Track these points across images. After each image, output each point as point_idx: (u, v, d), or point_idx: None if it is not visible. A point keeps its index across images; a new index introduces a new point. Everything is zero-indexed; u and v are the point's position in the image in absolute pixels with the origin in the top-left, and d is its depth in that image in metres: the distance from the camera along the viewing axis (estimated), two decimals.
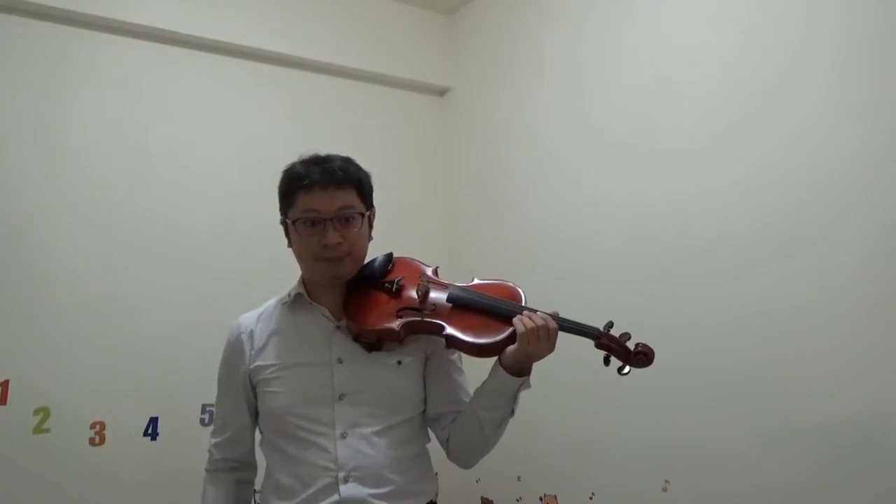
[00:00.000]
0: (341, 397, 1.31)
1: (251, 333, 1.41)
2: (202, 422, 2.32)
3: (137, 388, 2.23)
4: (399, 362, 1.36)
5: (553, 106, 2.54)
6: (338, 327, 1.38)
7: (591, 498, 2.24)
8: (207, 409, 2.33)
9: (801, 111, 1.74)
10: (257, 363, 1.38)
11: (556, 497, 2.38)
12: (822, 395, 1.65)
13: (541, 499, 2.43)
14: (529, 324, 1.24)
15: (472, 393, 1.41)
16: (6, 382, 2.06)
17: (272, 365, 1.36)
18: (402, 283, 1.40)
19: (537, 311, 1.28)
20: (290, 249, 1.41)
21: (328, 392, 1.32)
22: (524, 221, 2.62)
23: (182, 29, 2.45)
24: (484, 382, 1.34)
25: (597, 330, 1.30)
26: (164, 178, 2.39)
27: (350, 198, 1.36)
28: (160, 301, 2.31)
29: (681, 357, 1.98)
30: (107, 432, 2.17)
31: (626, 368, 1.30)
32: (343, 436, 1.29)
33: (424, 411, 1.42)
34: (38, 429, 2.08)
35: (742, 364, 1.83)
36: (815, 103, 1.71)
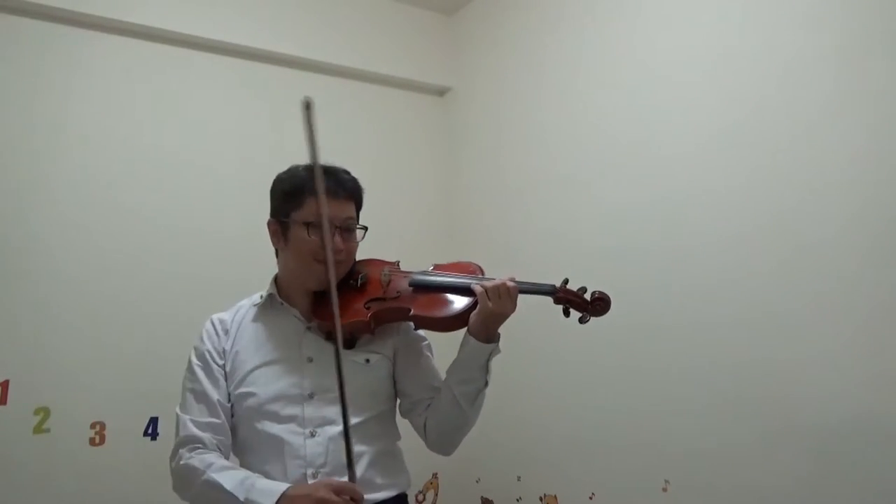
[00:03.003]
0: (311, 396, 1.35)
1: (226, 332, 1.45)
2: None
3: (137, 388, 2.23)
4: (367, 360, 1.41)
5: (553, 106, 2.54)
6: (308, 328, 1.42)
7: (591, 498, 2.24)
8: None
9: (801, 111, 1.74)
10: (231, 363, 1.40)
11: (556, 497, 2.38)
12: (823, 395, 1.65)
13: (541, 499, 2.43)
14: (488, 284, 1.32)
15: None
16: (6, 382, 2.05)
17: (244, 365, 1.39)
18: (365, 278, 1.46)
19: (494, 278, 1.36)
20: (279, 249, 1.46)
21: (298, 391, 1.36)
22: (524, 221, 2.62)
23: (182, 29, 2.45)
24: (456, 357, 1.39)
25: (552, 286, 1.38)
26: (165, 179, 2.39)
27: (352, 210, 1.45)
28: (160, 301, 2.31)
29: (681, 357, 1.98)
30: (107, 432, 2.17)
31: (587, 317, 1.36)
32: (312, 434, 1.33)
33: (394, 408, 1.48)
34: (38, 429, 2.08)
35: (742, 364, 1.83)
36: (815, 103, 1.71)
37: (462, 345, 1.38)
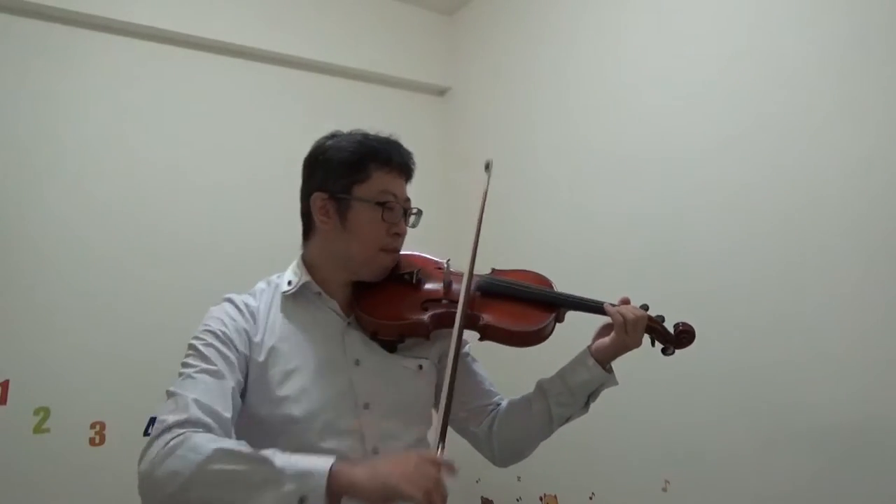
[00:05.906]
0: (366, 406, 1.15)
1: (255, 319, 1.19)
2: None
3: (137, 388, 2.22)
4: (420, 367, 1.24)
5: (552, 106, 2.54)
6: (349, 324, 1.22)
7: (590, 498, 2.24)
8: None
9: (805, 116, 1.74)
10: (267, 358, 1.15)
11: (556, 497, 2.37)
12: (823, 397, 1.65)
13: (541, 499, 2.43)
14: (630, 316, 1.22)
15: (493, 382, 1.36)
16: (6, 382, 2.05)
17: (282, 364, 1.14)
18: (420, 275, 1.30)
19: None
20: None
21: (350, 400, 1.14)
22: (524, 222, 2.62)
23: (181, 29, 2.45)
24: (563, 377, 1.28)
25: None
26: (163, 179, 2.38)
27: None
28: (161, 301, 2.30)
29: (681, 358, 1.98)
30: (107, 432, 2.17)
31: (671, 349, 1.32)
32: (375, 451, 1.12)
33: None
34: (38, 429, 2.08)
35: (742, 365, 1.82)
36: (820, 107, 1.71)
37: (577, 368, 1.26)
